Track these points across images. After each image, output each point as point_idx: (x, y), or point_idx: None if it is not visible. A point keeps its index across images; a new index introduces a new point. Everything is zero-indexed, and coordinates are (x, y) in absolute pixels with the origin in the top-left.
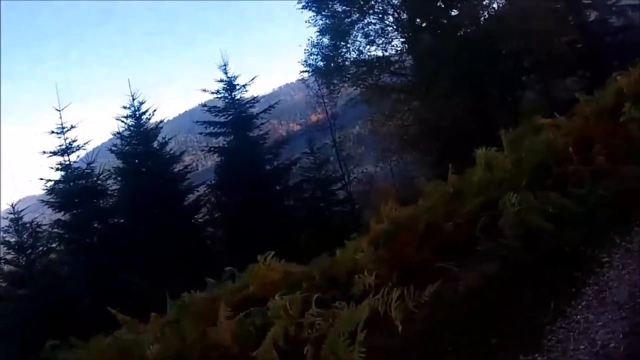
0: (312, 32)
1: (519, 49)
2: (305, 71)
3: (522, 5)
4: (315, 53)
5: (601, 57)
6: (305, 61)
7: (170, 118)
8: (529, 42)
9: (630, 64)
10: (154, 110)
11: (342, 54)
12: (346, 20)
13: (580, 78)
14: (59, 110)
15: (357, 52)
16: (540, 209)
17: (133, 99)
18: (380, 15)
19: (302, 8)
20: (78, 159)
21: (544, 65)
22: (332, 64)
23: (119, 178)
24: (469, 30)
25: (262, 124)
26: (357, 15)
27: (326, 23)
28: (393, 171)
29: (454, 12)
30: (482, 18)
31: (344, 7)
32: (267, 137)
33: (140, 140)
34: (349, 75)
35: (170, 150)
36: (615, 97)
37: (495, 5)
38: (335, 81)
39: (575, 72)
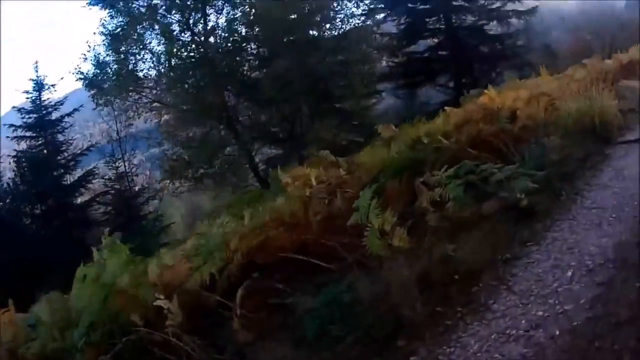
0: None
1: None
2: (80, 79)
3: None
4: (91, 60)
5: (471, 67)
6: (76, 69)
7: None
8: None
9: (500, 78)
10: None
11: (125, 60)
12: (144, 18)
13: (444, 87)
14: None
15: (149, 57)
16: None
17: None
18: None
19: (88, 5)
20: None
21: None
22: (105, 73)
23: None
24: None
25: (66, 128)
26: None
27: (116, 22)
28: None
29: None
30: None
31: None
32: (70, 143)
33: None
34: (114, 87)
35: None
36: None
37: None
38: (105, 94)
39: (435, 80)
